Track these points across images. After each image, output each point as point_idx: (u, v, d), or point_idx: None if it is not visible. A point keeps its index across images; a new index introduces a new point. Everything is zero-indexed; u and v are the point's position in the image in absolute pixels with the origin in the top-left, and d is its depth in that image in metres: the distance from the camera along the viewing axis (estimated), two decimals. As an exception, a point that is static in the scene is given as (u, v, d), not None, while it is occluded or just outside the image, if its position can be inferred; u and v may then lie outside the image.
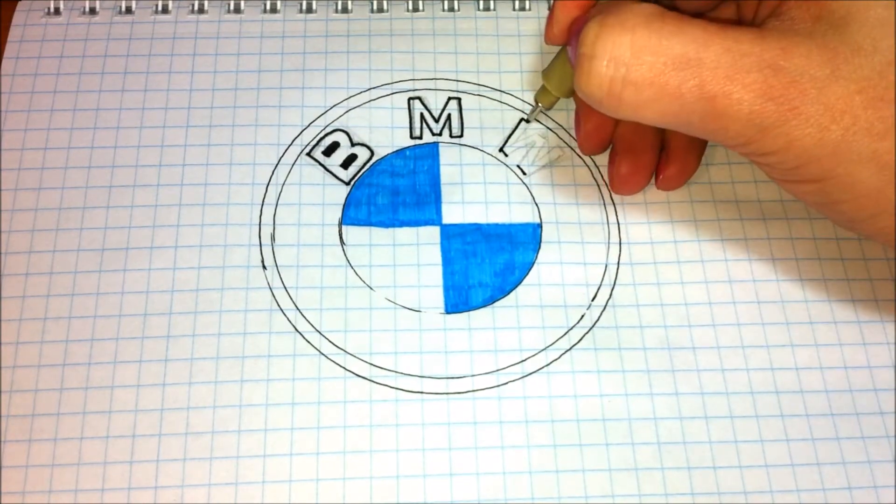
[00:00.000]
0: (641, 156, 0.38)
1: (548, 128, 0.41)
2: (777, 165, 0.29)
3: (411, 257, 0.38)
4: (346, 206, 0.39)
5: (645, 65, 0.28)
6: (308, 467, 0.34)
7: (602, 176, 0.40)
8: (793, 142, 0.27)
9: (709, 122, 0.28)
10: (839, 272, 0.38)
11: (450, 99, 0.42)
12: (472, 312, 0.37)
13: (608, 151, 0.40)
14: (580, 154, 0.40)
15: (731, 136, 0.28)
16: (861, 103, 0.26)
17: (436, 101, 0.42)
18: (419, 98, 0.42)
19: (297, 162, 0.40)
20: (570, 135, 0.41)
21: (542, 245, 0.38)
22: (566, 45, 0.33)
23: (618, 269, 0.38)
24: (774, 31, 0.28)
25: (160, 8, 0.43)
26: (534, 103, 0.38)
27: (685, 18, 0.28)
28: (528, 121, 0.41)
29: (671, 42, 0.27)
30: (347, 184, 0.39)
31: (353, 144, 0.40)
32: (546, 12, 0.44)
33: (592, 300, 0.37)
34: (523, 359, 0.36)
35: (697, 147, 0.38)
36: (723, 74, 0.27)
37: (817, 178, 0.28)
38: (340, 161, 0.40)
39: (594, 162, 0.40)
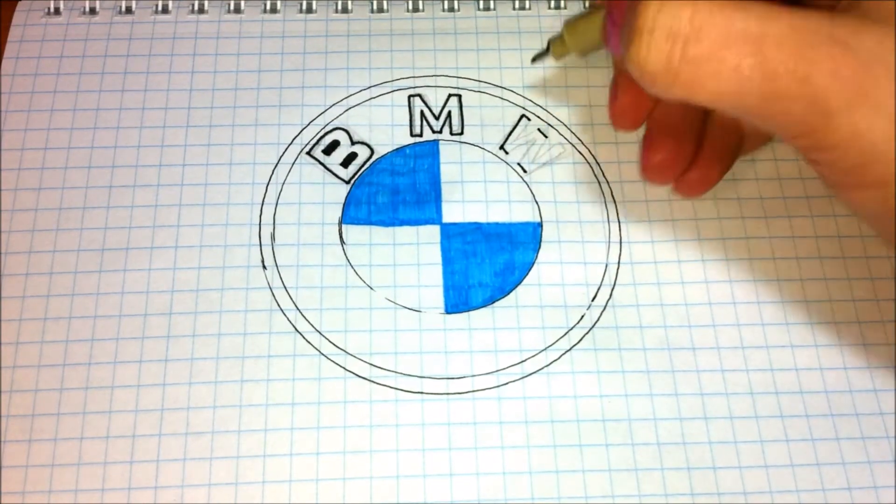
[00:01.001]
0: (680, 143, 0.35)
1: (548, 124, 0.41)
2: (838, 163, 0.26)
3: (411, 257, 0.38)
4: (346, 204, 0.39)
5: (705, 40, 0.26)
6: (308, 467, 0.34)
7: (603, 173, 0.40)
8: (860, 133, 0.25)
9: (769, 105, 0.26)
10: (840, 271, 0.38)
11: (450, 96, 0.42)
12: (472, 312, 0.37)
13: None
14: (580, 151, 0.40)
15: (792, 123, 0.26)
16: None
17: (436, 98, 0.42)
18: (419, 95, 0.42)
19: (297, 161, 0.40)
20: (571, 131, 0.41)
21: (543, 244, 0.38)
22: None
23: (618, 268, 0.38)
24: (847, 13, 0.26)
25: (160, 8, 0.43)
26: (544, 47, 0.37)
27: None
28: (532, 60, 0.39)
29: (735, 16, 0.25)
30: (347, 182, 0.39)
31: (353, 143, 0.40)
32: (546, 11, 0.44)
33: (592, 300, 0.37)
34: (523, 359, 0.36)
35: (727, 157, 0.35)
36: (788, 51, 0.25)
37: (882, 181, 0.25)
38: (340, 160, 0.40)
39: (595, 159, 0.40)
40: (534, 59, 0.37)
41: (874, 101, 0.24)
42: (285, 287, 0.37)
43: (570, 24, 0.34)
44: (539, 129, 0.41)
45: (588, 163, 0.40)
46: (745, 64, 0.25)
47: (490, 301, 0.37)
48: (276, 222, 0.38)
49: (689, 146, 0.34)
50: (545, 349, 0.36)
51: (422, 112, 0.41)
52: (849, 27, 0.25)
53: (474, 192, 0.39)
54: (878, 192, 0.26)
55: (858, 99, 0.24)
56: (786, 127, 0.26)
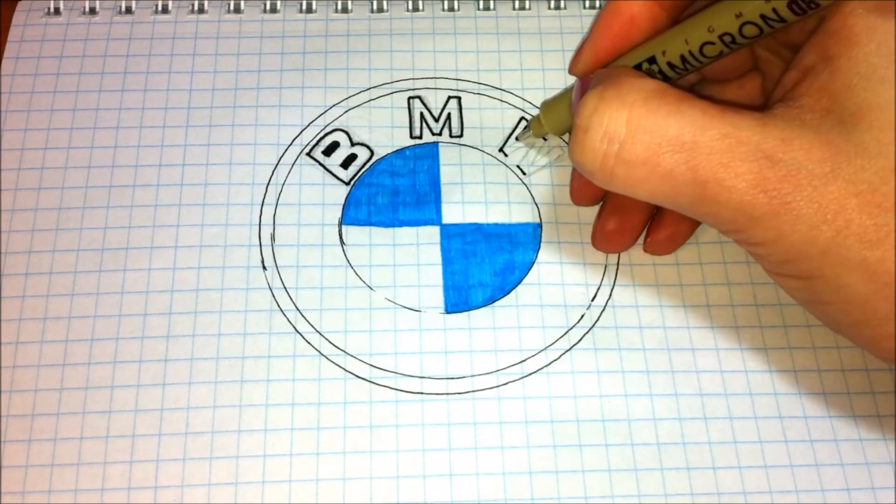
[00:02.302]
0: (631, 215, 0.37)
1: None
2: (766, 257, 0.28)
3: (411, 257, 0.38)
4: (345, 205, 0.39)
5: (639, 144, 0.27)
6: (308, 467, 0.34)
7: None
8: (782, 236, 0.26)
9: (699, 206, 0.27)
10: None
11: (450, 98, 0.42)
12: (471, 312, 0.37)
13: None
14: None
15: (721, 222, 0.28)
16: (857, 207, 0.25)
17: (436, 100, 0.42)
18: (419, 97, 0.42)
19: (296, 162, 0.40)
20: (570, 134, 0.41)
21: (542, 245, 0.38)
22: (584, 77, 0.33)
23: (617, 269, 0.38)
24: (779, 118, 0.27)
25: (160, 8, 0.43)
26: (528, 123, 0.38)
27: (687, 98, 0.27)
28: (517, 138, 0.40)
29: (668, 123, 0.27)
30: (347, 184, 0.39)
31: (352, 144, 0.40)
32: (546, 11, 0.44)
33: (592, 300, 0.37)
34: (523, 359, 0.36)
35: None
36: (717, 161, 0.26)
37: (805, 275, 0.27)
38: (340, 161, 0.40)
39: (594, 161, 0.40)
40: (518, 138, 0.40)
41: (796, 210, 0.26)
42: (285, 287, 0.37)
43: (546, 103, 0.36)
44: (532, 137, 0.41)
45: (587, 164, 0.40)
46: (678, 171, 0.27)
47: (490, 301, 0.37)
48: (276, 223, 0.38)
49: (640, 217, 0.37)
50: (545, 349, 0.36)
51: (421, 114, 0.41)
52: (778, 137, 0.26)
53: (474, 193, 0.40)
54: (803, 283, 0.28)
55: (781, 208, 0.26)
56: (717, 224, 0.28)
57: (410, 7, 0.44)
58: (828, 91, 0.27)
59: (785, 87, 0.28)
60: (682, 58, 0.30)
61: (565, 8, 0.44)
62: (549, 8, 0.44)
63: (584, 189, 0.37)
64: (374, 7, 0.44)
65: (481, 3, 0.44)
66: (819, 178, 0.25)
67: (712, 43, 0.30)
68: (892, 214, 0.25)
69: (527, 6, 0.44)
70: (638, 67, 0.31)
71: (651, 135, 0.27)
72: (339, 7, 0.44)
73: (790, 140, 0.26)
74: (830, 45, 0.27)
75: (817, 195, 0.25)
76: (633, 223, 0.37)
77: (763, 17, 0.28)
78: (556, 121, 0.36)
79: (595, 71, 0.32)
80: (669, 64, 0.31)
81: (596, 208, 0.38)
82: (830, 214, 0.25)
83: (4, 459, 0.34)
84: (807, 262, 0.27)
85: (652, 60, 0.31)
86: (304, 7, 0.44)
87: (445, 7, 0.44)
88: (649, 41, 0.32)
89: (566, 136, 0.41)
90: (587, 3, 0.44)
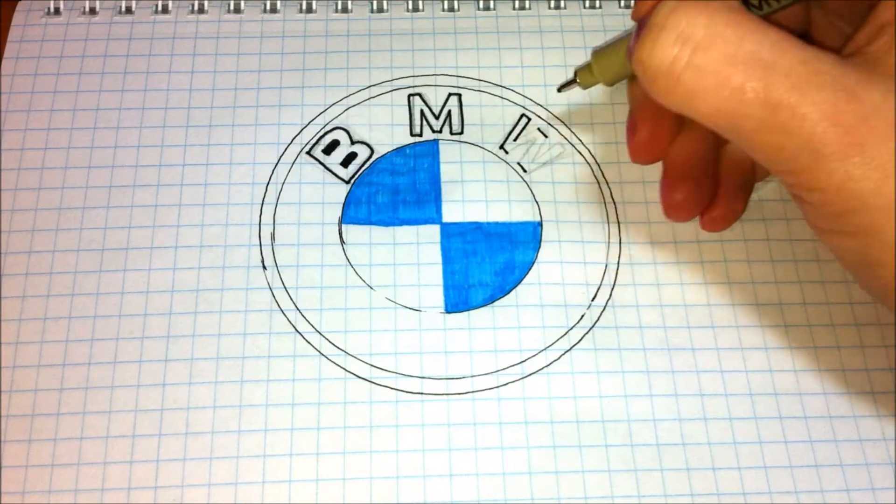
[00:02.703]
0: (698, 183, 0.34)
1: (548, 123, 0.41)
2: (823, 207, 0.26)
3: (411, 256, 0.38)
4: (346, 204, 0.39)
5: (715, 50, 0.25)
6: (308, 467, 0.34)
7: (603, 173, 0.40)
8: (849, 181, 0.24)
9: (764, 134, 0.25)
10: (837, 275, 0.38)
11: (450, 95, 0.42)
12: (471, 312, 0.37)
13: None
14: (580, 151, 0.40)
15: (784, 158, 0.26)
16: None
17: (436, 98, 0.42)
18: (419, 94, 0.42)
19: (296, 161, 0.40)
20: (571, 130, 0.41)
21: (543, 244, 0.38)
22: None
23: (618, 268, 0.38)
24: (856, 64, 0.25)
25: (160, 8, 0.43)
26: (572, 76, 0.36)
27: (766, 21, 0.26)
28: (559, 90, 0.38)
29: (749, 36, 0.25)
30: (347, 182, 0.39)
31: (352, 142, 0.40)
32: (546, 11, 0.44)
33: (592, 300, 0.37)
34: (523, 359, 0.36)
35: (745, 189, 0.35)
36: (793, 84, 0.24)
37: (864, 230, 0.25)
38: (340, 159, 0.40)
39: (595, 159, 0.40)
40: (560, 89, 0.37)
41: (870, 153, 0.24)
42: (285, 287, 0.37)
43: (598, 51, 0.34)
44: (539, 129, 0.41)
45: (588, 163, 0.40)
46: (749, 87, 0.25)
47: (490, 300, 0.37)
48: (276, 222, 0.38)
49: (706, 185, 0.34)
50: (545, 349, 0.36)
51: (422, 111, 0.41)
52: (858, 75, 0.25)
53: (474, 191, 0.39)
54: (859, 240, 0.26)
55: (853, 148, 0.24)
56: (776, 161, 0.26)
57: (410, 7, 0.44)
58: None
59: (858, 42, 0.27)
60: None
61: (565, 8, 0.44)
62: (550, 8, 0.44)
63: (645, 145, 0.34)
64: (374, 7, 0.44)
65: (481, 3, 0.44)
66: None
67: None
68: None
69: (527, 6, 0.44)
70: None
71: (729, 44, 0.25)
72: (339, 7, 0.44)
73: (870, 81, 0.25)
74: None
75: (893, 144, 0.24)
76: (701, 191, 0.34)
77: None
78: (609, 69, 0.33)
79: None
80: None
81: (597, 203, 0.38)
82: None
83: (4, 459, 0.34)
84: (868, 216, 0.25)
85: None
86: (304, 7, 0.43)
87: (445, 7, 0.44)
88: None
89: (568, 136, 0.41)
90: (587, 3, 0.44)
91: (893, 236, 0.24)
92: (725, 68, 0.25)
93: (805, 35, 0.32)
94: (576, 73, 0.35)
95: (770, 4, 0.29)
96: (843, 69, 0.25)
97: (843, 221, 0.26)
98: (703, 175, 0.34)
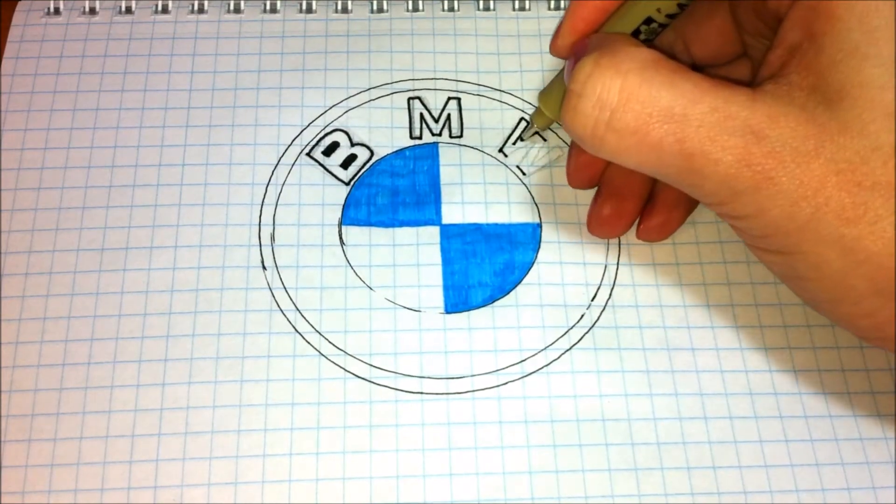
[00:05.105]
0: (626, 201, 0.37)
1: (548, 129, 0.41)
2: (747, 230, 0.28)
3: (411, 257, 0.38)
4: (345, 206, 0.39)
5: (630, 113, 0.27)
6: (308, 467, 0.34)
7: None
8: (763, 211, 0.27)
9: (685, 178, 0.28)
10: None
11: (449, 99, 0.42)
12: (471, 312, 0.37)
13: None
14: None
15: (706, 195, 0.28)
16: (837, 185, 0.25)
17: (435, 101, 0.42)
18: (419, 98, 0.42)
19: (296, 162, 0.40)
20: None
21: (542, 245, 0.38)
22: (569, 57, 0.33)
23: (617, 269, 0.38)
24: (768, 95, 0.27)
25: (160, 8, 0.43)
26: (529, 121, 0.38)
27: (681, 70, 0.28)
28: (521, 138, 0.40)
29: (660, 94, 0.27)
30: (347, 184, 0.39)
31: (352, 144, 0.40)
32: (545, 12, 0.44)
33: (592, 300, 0.37)
34: (523, 359, 0.36)
35: (685, 203, 0.38)
36: (705, 134, 0.27)
37: (785, 250, 0.27)
38: (340, 161, 0.40)
39: (594, 162, 0.40)
40: (521, 138, 0.40)
41: (778, 185, 0.26)
42: (285, 287, 0.37)
43: (543, 92, 0.36)
44: (538, 132, 0.41)
45: (587, 165, 0.40)
46: (666, 142, 0.27)
47: (490, 300, 0.37)
48: (276, 223, 0.38)
49: (634, 203, 0.37)
50: (545, 349, 0.36)
51: (421, 115, 0.41)
52: (766, 114, 0.26)
53: (474, 193, 0.40)
54: (782, 258, 0.28)
55: (764, 183, 0.26)
56: (699, 195, 0.29)
57: (410, 7, 0.44)
58: (813, 68, 0.27)
59: (772, 65, 0.28)
60: (679, 4, 0.31)
61: (565, 9, 0.44)
62: (549, 9, 0.44)
63: (580, 171, 0.38)
64: (374, 7, 0.44)
65: (481, 3, 0.44)
66: (802, 155, 0.26)
67: None
68: (871, 193, 0.25)
69: (527, 6, 0.44)
70: (635, 34, 0.31)
71: (643, 104, 0.27)
72: (339, 7, 0.44)
73: (777, 117, 0.26)
74: (813, 21, 0.27)
75: (799, 172, 0.26)
76: (628, 209, 0.37)
77: None
78: (555, 105, 0.35)
79: (586, 38, 0.32)
80: (669, 16, 0.31)
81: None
82: (811, 191, 0.26)
83: (4, 459, 0.34)
84: (786, 238, 0.27)
85: (649, 21, 0.31)
86: (304, 7, 0.44)
87: (445, 7, 0.44)
88: (635, 2, 0.31)
89: (566, 139, 0.41)
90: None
91: (811, 255, 0.27)
92: (642, 127, 0.27)
93: (743, 54, 0.35)
94: (531, 118, 0.37)
95: (653, 31, 0.32)
96: (752, 109, 0.27)
97: (766, 243, 0.28)
98: (633, 194, 0.37)
